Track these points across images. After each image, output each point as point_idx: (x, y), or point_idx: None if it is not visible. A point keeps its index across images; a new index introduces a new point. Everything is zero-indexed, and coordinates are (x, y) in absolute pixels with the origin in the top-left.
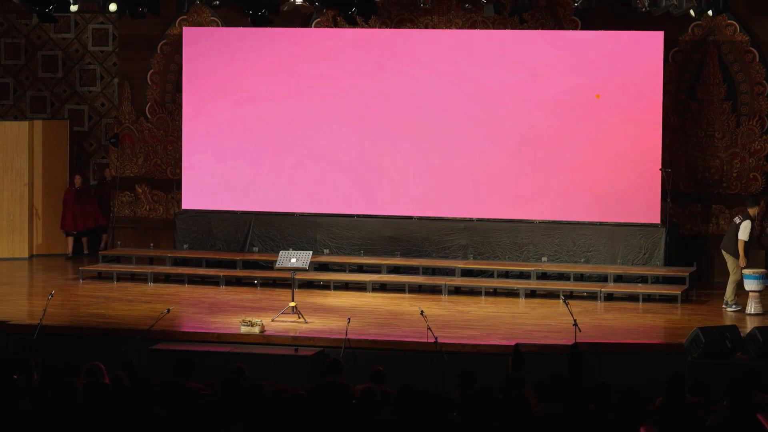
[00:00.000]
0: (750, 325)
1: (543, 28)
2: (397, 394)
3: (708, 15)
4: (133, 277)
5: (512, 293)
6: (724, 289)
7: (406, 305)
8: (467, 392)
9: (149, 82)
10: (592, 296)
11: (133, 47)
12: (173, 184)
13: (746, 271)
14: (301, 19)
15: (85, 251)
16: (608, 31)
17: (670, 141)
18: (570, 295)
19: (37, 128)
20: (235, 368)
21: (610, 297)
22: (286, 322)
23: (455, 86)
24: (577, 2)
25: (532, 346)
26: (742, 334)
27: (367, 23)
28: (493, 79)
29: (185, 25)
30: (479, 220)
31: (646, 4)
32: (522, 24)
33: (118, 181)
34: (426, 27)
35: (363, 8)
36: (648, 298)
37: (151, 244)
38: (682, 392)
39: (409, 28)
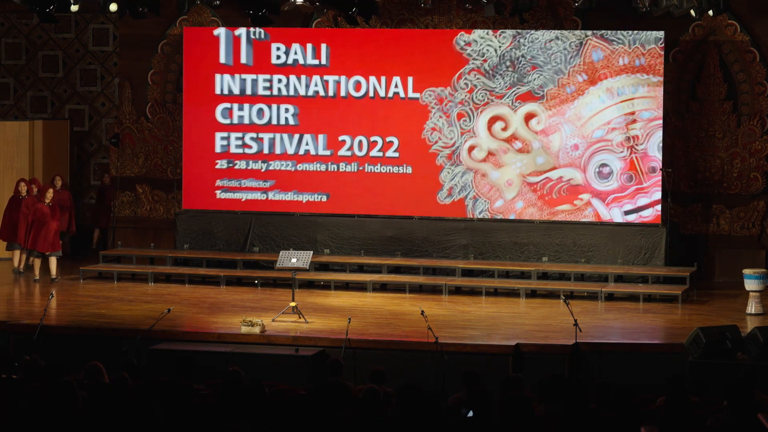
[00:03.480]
0: (750, 325)
1: (543, 28)
2: (399, 393)
3: (708, 15)
4: (134, 277)
5: (513, 293)
6: (725, 289)
7: (407, 305)
8: (471, 393)
9: (150, 82)
10: (592, 296)
11: (133, 47)
12: (174, 184)
13: (746, 271)
14: (301, 19)
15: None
16: (608, 31)
17: (670, 141)
18: (570, 295)
19: (37, 128)
20: (232, 373)
21: (610, 297)
22: (286, 322)
23: (479, 61)
24: (577, 2)
25: (533, 346)
26: (742, 334)
27: (367, 23)
28: (493, 78)
29: (186, 25)
30: (479, 220)
31: (647, 4)
32: (522, 24)
33: (118, 181)
34: (427, 27)
35: (364, 8)
36: (648, 298)
37: (152, 244)
38: (685, 393)
39: (410, 27)
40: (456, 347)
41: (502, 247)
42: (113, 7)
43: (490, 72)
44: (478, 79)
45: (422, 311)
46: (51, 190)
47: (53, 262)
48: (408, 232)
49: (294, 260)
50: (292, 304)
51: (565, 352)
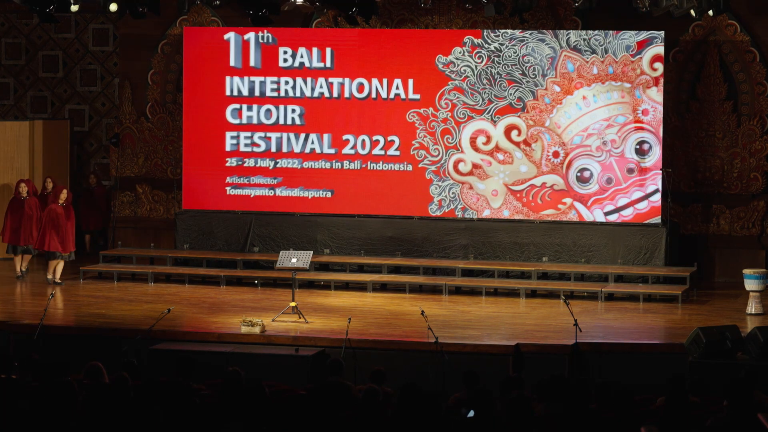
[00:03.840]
0: (750, 325)
1: (543, 28)
2: (400, 393)
3: (708, 15)
4: (134, 277)
5: (513, 293)
6: (725, 289)
7: (407, 305)
8: (472, 393)
9: (150, 82)
10: (592, 296)
11: (133, 47)
12: (174, 184)
13: (746, 271)
14: (301, 19)
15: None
16: (608, 30)
17: (670, 141)
18: (570, 295)
19: (37, 128)
20: (232, 373)
21: (610, 297)
22: (286, 322)
23: (458, 80)
24: (577, 2)
25: (533, 346)
26: (742, 334)
27: (367, 23)
28: (501, 72)
29: (186, 25)
30: (480, 220)
31: (647, 4)
32: (522, 24)
33: (118, 181)
34: (426, 27)
35: (364, 8)
36: (649, 298)
37: (152, 244)
38: (685, 392)
39: (410, 28)
40: (456, 347)
41: (502, 247)
42: (113, 7)
43: (470, 89)
44: (458, 97)
45: (422, 311)
46: (65, 191)
47: (61, 265)
48: (408, 232)
49: (294, 260)
50: (292, 304)
51: (565, 352)
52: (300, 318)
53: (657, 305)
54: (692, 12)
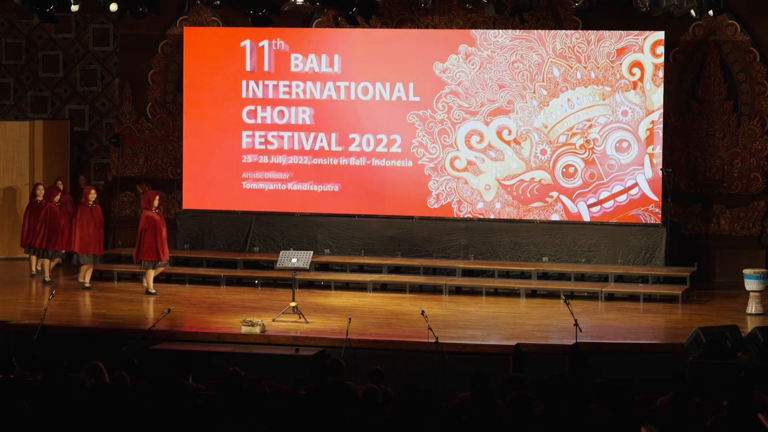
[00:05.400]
0: (750, 325)
1: (544, 28)
2: (402, 394)
3: (709, 15)
4: (134, 277)
5: (513, 293)
6: (725, 289)
7: (407, 305)
8: (479, 393)
9: (150, 82)
10: (592, 296)
11: (133, 47)
12: (174, 184)
13: (746, 271)
14: (301, 19)
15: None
16: (609, 30)
17: (671, 141)
18: (571, 295)
19: (38, 128)
20: (232, 373)
21: (610, 297)
22: (286, 322)
23: (454, 85)
24: (577, 2)
25: (533, 346)
26: (742, 334)
27: (368, 23)
28: (492, 78)
29: (186, 25)
30: (480, 220)
31: (647, 3)
32: (522, 24)
33: (119, 181)
34: (427, 27)
35: (364, 8)
36: (649, 298)
37: None
38: (687, 392)
39: (410, 27)
40: (456, 347)
41: (502, 247)
42: (113, 7)
43: (464, 93)
44: (453, 100)
45: (422, 311)
46: (157, 197)
47: (152, 274)
48: (408, 232)
49: (294, 260)
50: (293, 304)
51: (565, 352)
52: (300, 318)
53: (657, 305)
54: (692, 12)
